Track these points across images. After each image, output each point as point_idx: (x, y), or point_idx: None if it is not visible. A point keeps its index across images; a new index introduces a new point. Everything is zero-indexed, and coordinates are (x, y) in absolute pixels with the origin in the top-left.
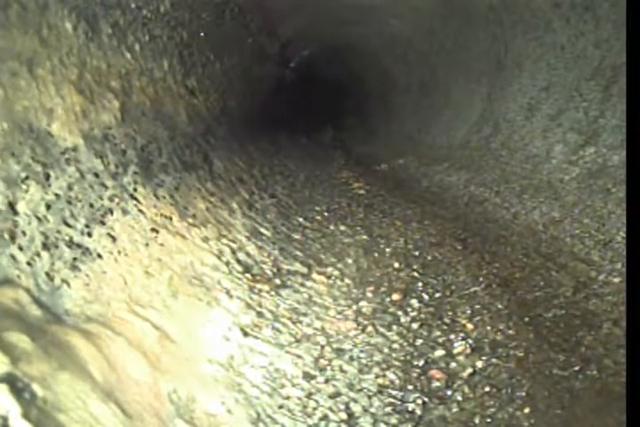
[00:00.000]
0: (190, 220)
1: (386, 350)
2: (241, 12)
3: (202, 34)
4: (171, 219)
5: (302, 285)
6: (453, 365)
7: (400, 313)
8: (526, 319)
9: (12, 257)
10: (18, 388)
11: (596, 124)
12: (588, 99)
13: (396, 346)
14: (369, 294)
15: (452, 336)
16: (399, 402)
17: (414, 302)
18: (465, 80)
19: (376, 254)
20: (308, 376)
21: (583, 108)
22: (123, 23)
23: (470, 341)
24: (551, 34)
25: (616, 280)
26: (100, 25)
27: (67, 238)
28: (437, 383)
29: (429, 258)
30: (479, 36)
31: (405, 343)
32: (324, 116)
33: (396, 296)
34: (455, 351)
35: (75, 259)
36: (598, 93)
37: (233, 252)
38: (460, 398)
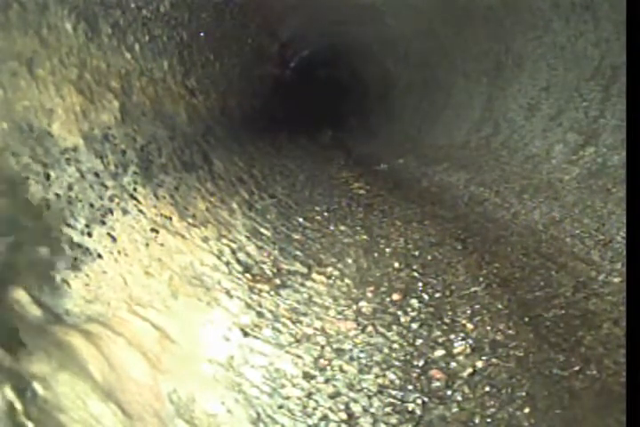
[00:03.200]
0: (190, 220)
1: (386, 350)
2: (241, 12)
3: (202, 34)
4: (171, 219)
5: (302, 285)
6: (453, 365)
7: (400, 313)
8: (526, 319)
9: None
10: (18, 388)
11: (596, 124)
12: (588, 99)
13: (396, 346)
14: (369, 294)
15: (452, 336)
16: (399, 402)
17: (414, 302)
18: (465, 80)
19: (376, 254)
20: (307, 376)
21: (583, 108)
22: (123, 23)
23: (470, 341)
24: (551, 34)
25: (616, 280)
26: (99, 25)
27: (67, 238)
28: (437, 383)
29: (429, 258)
30: (479, 36)
31: (405, 343)
32: (324, 116)
33: (396, 296)
34: (455, 351)
35: (75, 259)
36: (598, 93)
37: (233, 252)
38: (459, 398)
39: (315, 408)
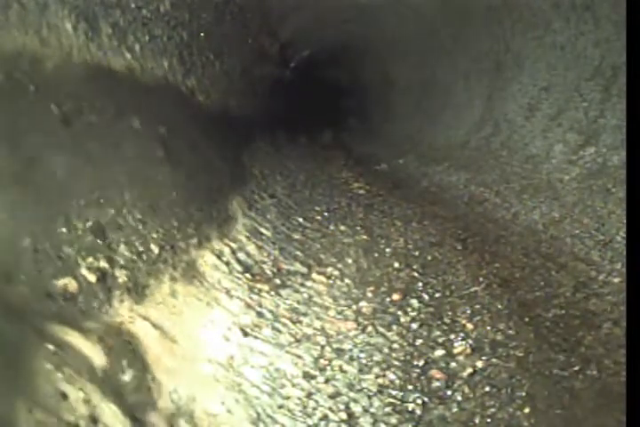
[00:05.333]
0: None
1: (386, 350)
2: (241, 12)
3: (202, 34)
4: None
5: (302, 285)
6: (453, 365)
7: (400, 313)
8: (526, 319)
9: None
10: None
11: (595, 124)
12: (588, 99)
13: (395, 346)
14: (369, 294)
15: (452, 336)
16: (399, 402)
17: (414, 302)
18: (465, 80)
19: (376, 254)
20: (308, 376)
21: (583, 108)
22: (123, 23)
23: (470, 341)
24: (551, 34)
25: (616, 280)
26: (100, 25)
27: None
28: (437, 383)
29: (429, 258)
30: (479, 36)
31: (405, 343)
32: (324, 117)
33: (396, 296)
34: (455, 351)
35: None
36: (598, 93)
37: (233, 252)
38: (459, 398)
39: (315, 408)
